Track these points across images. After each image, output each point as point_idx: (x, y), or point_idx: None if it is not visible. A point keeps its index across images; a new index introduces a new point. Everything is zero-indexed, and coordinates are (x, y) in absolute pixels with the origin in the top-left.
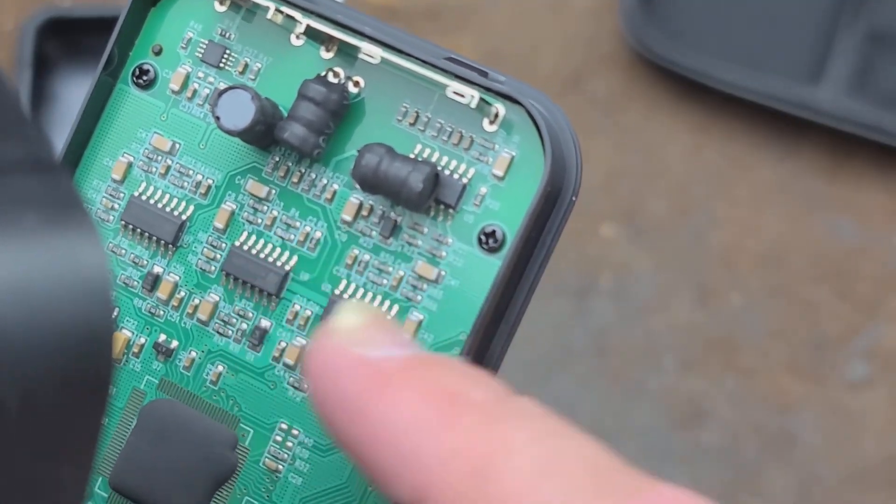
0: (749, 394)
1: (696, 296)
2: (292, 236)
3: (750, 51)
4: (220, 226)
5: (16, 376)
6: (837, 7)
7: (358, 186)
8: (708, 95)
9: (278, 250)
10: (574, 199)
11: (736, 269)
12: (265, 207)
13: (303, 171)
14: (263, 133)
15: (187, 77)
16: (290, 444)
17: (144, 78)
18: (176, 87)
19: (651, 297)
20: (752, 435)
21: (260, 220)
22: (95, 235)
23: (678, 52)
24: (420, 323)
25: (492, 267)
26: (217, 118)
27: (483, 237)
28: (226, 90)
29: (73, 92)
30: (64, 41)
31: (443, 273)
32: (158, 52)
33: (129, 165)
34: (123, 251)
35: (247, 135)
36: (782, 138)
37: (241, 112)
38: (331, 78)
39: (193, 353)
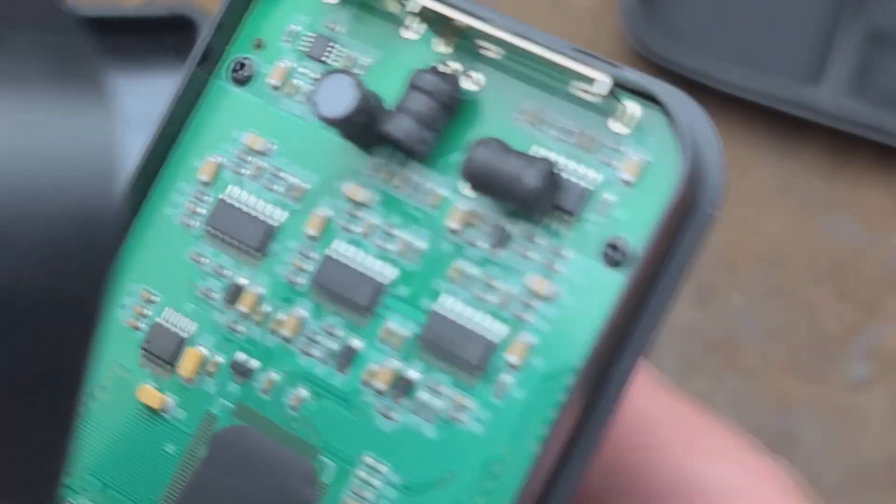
0: (749, 394)
1: (695, 296)
2: (391, 246)
3: (750, 51)
4: (314, 233)
5: None
6: (837, 7)
7: (467, 183)
8: (708, 95)
9: (376, 261)
10: (712, 213)
11: (736, 270)
12: (363, 214)
13: (407, 173)
14: (365, 128)
15: (289, 72)
16: (375, 481)
17: (242, 73)
18: (276, 83)
19: None
20: (753, 435)
21: (357, 228)
22: (105, 99)
23: (678, 52)
24: (531, 346)
25: (615, 283)
26: (315, 104)
27: (608, 250)
28: (327, 75)
29: None
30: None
31: (559, 290)
32: (259, 46)
33: (219, 167)
34: (206, 260)
35: (347, 126)
36: (782, 138)
37: (341, 98)
38: (443, 69)
39: (274, 375)
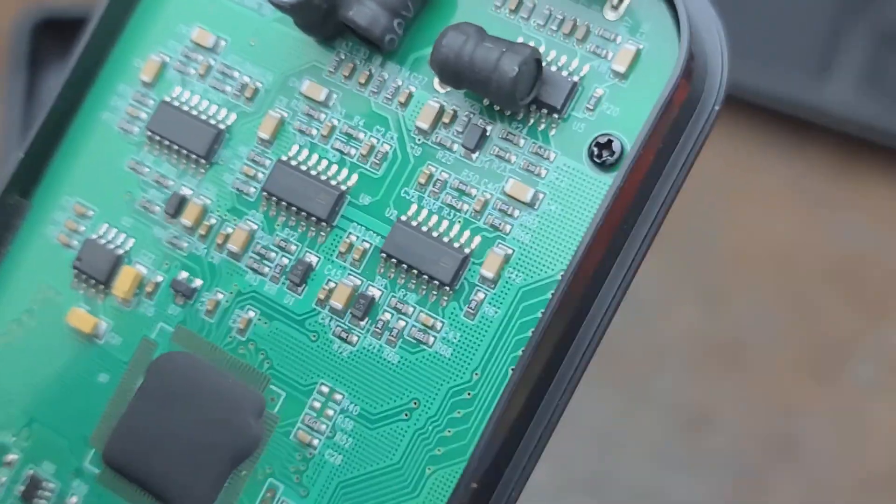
0: (755, 398)
1: (702, 299)
2: (353, 150)
3: (757, 51)
4: (266, 136)
5: None
6: (844, 7)
7: (437, 75)
8: None
9: (335, 167)
10: (717, 108)
11: (743, 272)
12: (323, 115)
13: (372, 70)
14: (324, 15)
15: None
16: (330, 411)
17: None
18: None
19: (657, 301)
20: (759, 439)
21: (315, 131)
22: None
23: None
24: (507, 258)
25: (604, 185)
26: None
27: (595, 150)
28: None
29: None
30: (58, 41)
31: (541, 195)
32: None
33: (163, 66)
34: (146, 169)
35: (303, 13)
36: (790, 139)
37: None
38: None
39: (220, 295)
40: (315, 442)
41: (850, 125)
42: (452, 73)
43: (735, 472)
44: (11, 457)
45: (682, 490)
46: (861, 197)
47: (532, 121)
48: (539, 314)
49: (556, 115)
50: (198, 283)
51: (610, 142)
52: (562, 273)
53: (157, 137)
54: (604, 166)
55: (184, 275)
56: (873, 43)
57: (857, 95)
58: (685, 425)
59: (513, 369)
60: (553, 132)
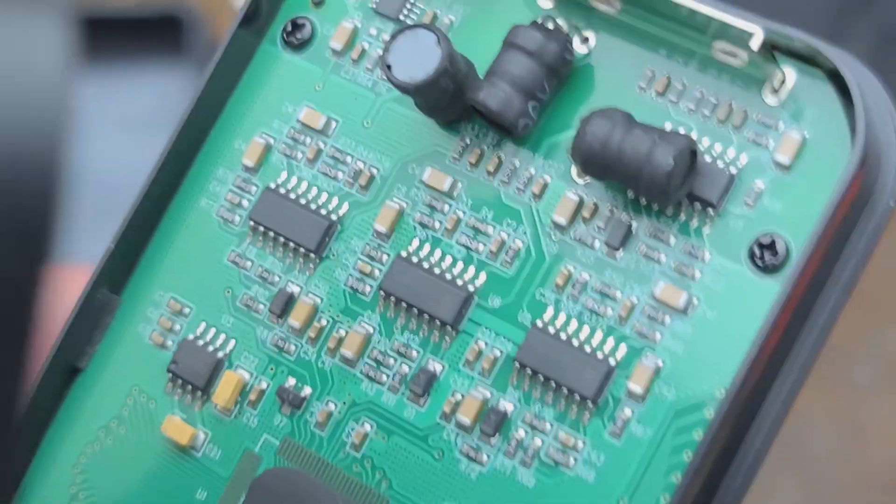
0: None
1: None
2: (481, 246)
3: None
4: (384, 230)
5: None
6: (845, 8)
7: (579, 166)
8: None
9: (460, 265)
10: (893, 204)
11: None
12: (447, 206)
13: (502, 156)
14: (450, 97)
15: (354, 33)
16: None
17: (298, 35)
18: (338, 47)
19: None
20: None
21: (438, 224)
22: None
23: None
24: (657, 371)
25: (767, 293)
26: (388, 67)
27: (757, 250)
28: (402, 30)
29: None
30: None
31: (695, 300)
32: (319, 3)
33: (268, 149)
34: (249, 263)
35: (428, 95)
36: None
37: (422, 59)
38: (549, 25)
39: (331, 405)
40: None
41: None
42: (598, 164)
43: None
44: None
45: None
46: None
47: (684, 217)
48: (694, 435)
49: (711, 211)
50: (307, 391)
51: (773, 242)
52: (721, 389)
53: (262, 228)
54: (766, 269)
55: (291, 381)
56: (874, 44)
57: None
58: None
59: (666, 497)
60: (708, 230)
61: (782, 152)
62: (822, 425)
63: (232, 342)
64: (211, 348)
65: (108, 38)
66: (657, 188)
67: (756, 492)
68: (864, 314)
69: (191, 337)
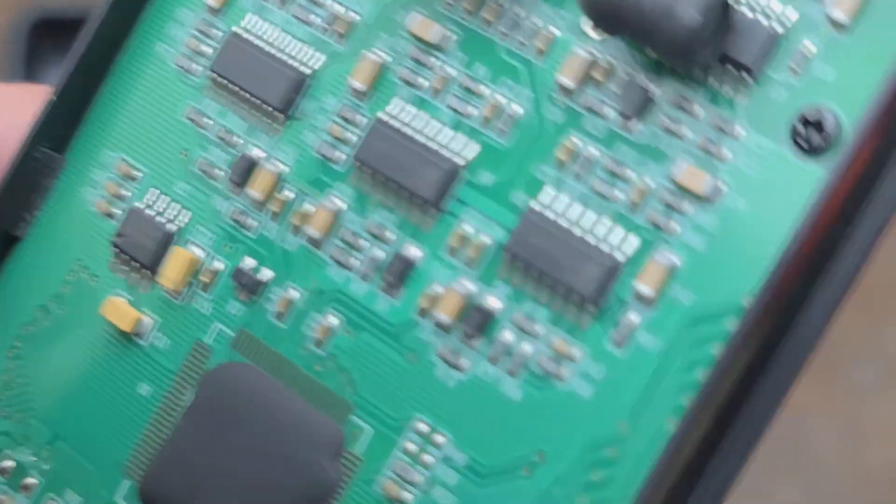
0: None
1: None
2: (474, 110)
3: None
4: (362, 87)
5: None
6: None
7: (590, 22)
8: None
9: (448, 132)
10: None
11: None
12: (435, 62)
13: (503, 3)
14: None
15: None
16: (428, 457)
17: None
18: None
19: None
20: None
21: (425, 83)
22: None
23: None
24: (672, 270)
25: (810, 178)
26: None
27: (800, 128)
28: None
29: None
30: (56, 41)
31: (722, 186)
32: None
33: None
34: (209, 121)
35: None
36: None
37: None
38: None
39: (294, 292)
40: (406, 497)
41: None
42: (611, 16)
43: None
44: (30, 480)
45: None
46: None
47: (714, 83)
48: (712, 349)
49: (748, 77)
50: (267, 274)
51: (821, 119)
52: (748, 297)
53: (224, 81)
54: (811, 151)
55: (250, 263)
56: None
57: None
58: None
59: (673, 421)
60: (743, 100)
61: (840, 7)
62: (823, 425)
63: (186, 214)
64: (162, 219)
65: None
66: (678, 49)
67: (757, 493)
68: (864, 314)
69: (140, 205)
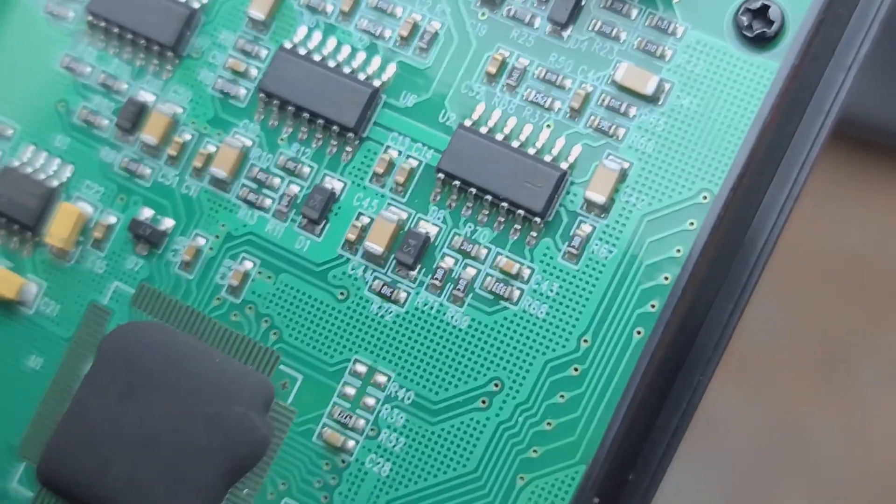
0: (758, 399)
1: None
2: (388, 31)
3: None
4: (260, 16)
5: None
6: None
7: None
8: None
9: (361, 55)
10: None
11: None
12: None
13: None
14: None
15: None
16: (370, 399)
17: None
18: None
19: None
20: (764, 442)
21: (330, 6)
22: None
23: None
24: (623, 174)
25: (760, 71)
26: None
27: (744, 20)
28: None
29: None
30: None
31: (666, 84)
32: None
33: None
34: (87, 68)
35: None
36: None
37: None
38: None
39: (200, 240)
40: (350, 444)
41: (852, 127)
42: None
43: (741, 474)
44: None
45: (688, 491)
46: (864, 199)
47: None
48: (675, 252)
49: None
50: (168, 223)
51: (765, 7)
52: (706, 194)
53: (103, 23)
54: (758, 42)
55: (147, 213)
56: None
57: (859, 98)
58: (690, 429)
59: (640, 331)
60: None
61: None
62: (826, 428)
63: (68, 168)
64: (42, 176)
65: None
66: None
67: (761, 497)
68: (867, 316)
69: (15, 163)
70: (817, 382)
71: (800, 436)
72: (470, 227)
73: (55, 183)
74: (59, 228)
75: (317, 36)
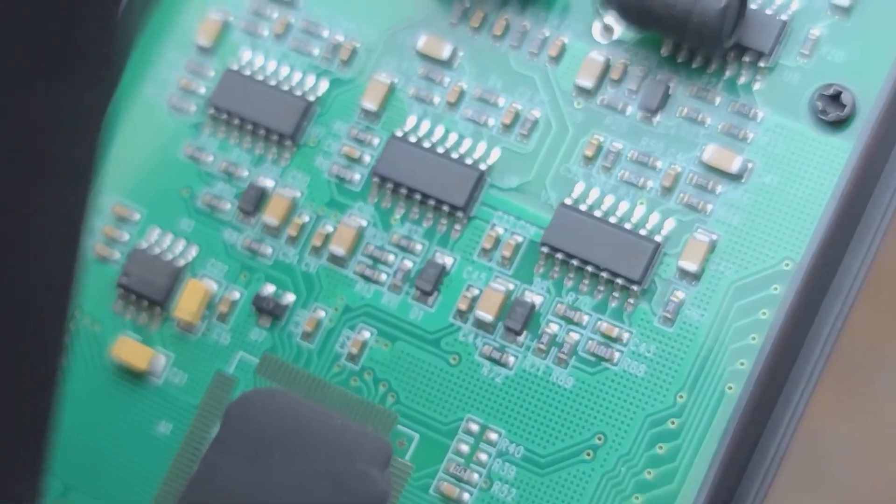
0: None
1: None
2: (491, 119)
3: None
4: (372, 107)
5: None
6: None
7: (617, 13)
8: None
9: (467, 141)
10: None
11: None
12: (446, 78)
13: (508, 18)
14: None
15: None
16: (483, 455)
17: None
18: None
19: None
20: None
21: (437, 98)
22: None
23: None
24: (712, 245)
25: (833, 150)
26: None
27: (819, 104)
28: None
29: None
30: None
31: (749, 163)
32: None
33: (224, 26)
34: (209, 157)
35: None
36: None
37: None
38: None
39: (320, 312)
40: (466, 497)
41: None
42: (639, 9)
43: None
44: None
45: None
46: None
47: (728, 72)
48: (761, 314)
49: (761, 64)
50: (289, 298)
51: (838, 94)
52: (789, 262)
53: (224, 115)
54: (832, 124)
55: (269, 289)
56: None
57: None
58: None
59: (731, 387)
60: (758, 85)
61: None
62: (842, 437)
63: (194, 248)
64: (168, 256)
65: None
66: (708, 31)
67: (776, 500)
68: (884, 322)
69: (143, 245)
70: (835, 391)
71: (817, 445)
72: (572, 295)
73: (182, 262)
74: (186, 303)
75: (425, 124)
